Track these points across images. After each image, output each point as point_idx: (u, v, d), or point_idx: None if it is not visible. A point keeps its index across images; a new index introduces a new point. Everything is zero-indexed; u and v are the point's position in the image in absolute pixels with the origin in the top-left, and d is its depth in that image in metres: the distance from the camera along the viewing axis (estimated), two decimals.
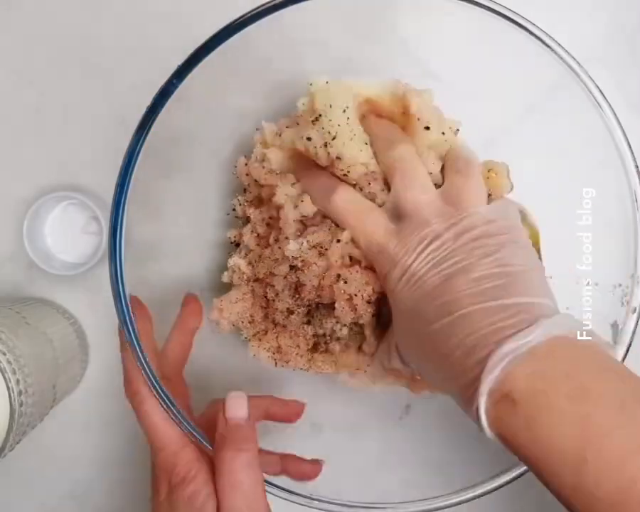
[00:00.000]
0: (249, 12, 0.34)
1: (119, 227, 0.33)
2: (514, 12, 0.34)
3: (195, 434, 0.34)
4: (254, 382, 0.44)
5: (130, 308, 0.33)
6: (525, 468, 0.34)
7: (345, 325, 0.37)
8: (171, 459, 0.33)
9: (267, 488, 0.34)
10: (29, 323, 0.41)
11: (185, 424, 0.34)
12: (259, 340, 0.40)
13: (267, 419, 0.39)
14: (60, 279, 0.46)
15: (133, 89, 0.46)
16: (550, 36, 0.34)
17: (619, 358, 0.35)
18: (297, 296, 0.38)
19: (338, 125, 0.34)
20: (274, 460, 0.38)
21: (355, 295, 0.35)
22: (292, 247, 0.36)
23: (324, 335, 0.39)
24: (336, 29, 0.40)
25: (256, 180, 0.39)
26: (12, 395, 0.36)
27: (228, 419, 0.34)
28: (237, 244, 0.41)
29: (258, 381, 0.44)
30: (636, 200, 0.35)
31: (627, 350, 0.35)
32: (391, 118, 0.37)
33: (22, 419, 0.37)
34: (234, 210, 0.41)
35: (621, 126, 0.35)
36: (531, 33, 0.34)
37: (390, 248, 0.33)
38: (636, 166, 0.35)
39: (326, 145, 0.34)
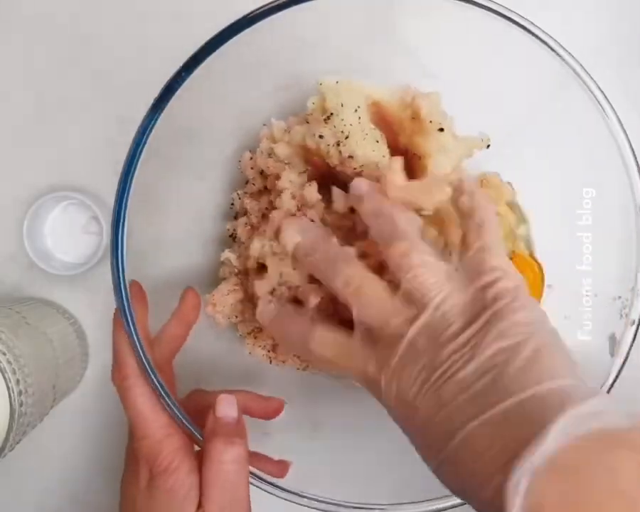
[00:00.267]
0: (258, 8, 0.34)
1: (123, 207, 0.33)
2: (516, 13, 0.34)
3: (185, 423, 0.34)
4: (251, 380, 0.43)
5: (129, 291, 0.33)
6: None
7: None
8: (155, 447, 0.33)
9: (268, 488, 0.34)
10: (29, 323, 0.41)
11: (178, 413, 0.33)
12: (255, 338, 0.40)
13: (244, 414, 0.38)
14: (60, 279, 0.46)
15: (133, 89, 0.46)
16: (551, 37, 0.34)
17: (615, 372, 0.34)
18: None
19: (350, 124, 0.34)
20: None
21: None
22: (255, 245, 0.36)
23: None
24: (337, 29, 0.40)
25: (262, 171, 0.39)
26: (12, 395, 0.36)
27: (218, 418, 0.34)
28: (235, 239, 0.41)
29: (258, 379, 0.44)
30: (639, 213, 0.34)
31: (624, 363, 0.35)
32: (399, 124, 0.37)
33: (22, 419, 0.37)
34: (232, 204, 0.41)
35: (624, 130, 0.35)
36: (533, 34, 0.34)
37: (375, 377, 0.30)
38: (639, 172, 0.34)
39: (338, 144, 0.34)
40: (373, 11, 0.40)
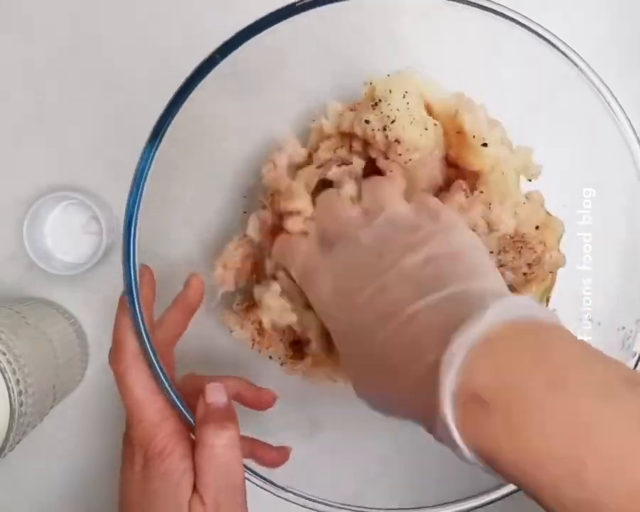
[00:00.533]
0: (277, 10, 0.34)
1: (140, 186, 0.34)
2: (518, 13, 0.34)
3: (183, 409, 0.34)
4: (253, 379, 0.43)
5: (139, 275, 0.33)
6: None
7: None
8: (150, 431, 0.33)
9: (265, 487, 0.34)
10: (29, 323, 0.41)
11: (176, 398, 0.33)
12: (247, 311, 0.41)
13: (235, 400, 0.39)
14: (60, 279, 0.46)
15: (133, 89, 0.46)
16: (555, 35, 0.34)
17: None
18: None
19: (397, 109, 0.34)
20: (244, 443, 0.39)
21: None
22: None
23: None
24: (337, 30, 0.40)
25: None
26: (12, 395, 0.36)
27: (209, 403, 0.34)
28: None
29: (259, 378, 0.43)
30: None
31: None
32: (447, 137, 0.37)
33: (22, 419, 0.37)
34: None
35: (632, 128, 0.35)
36: (537, 33, 0.34)
37: (313, 268, 0.34)
38: None
39: (384, 128, 0.34)
40: (373, 12, 0.40)
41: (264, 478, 0.35)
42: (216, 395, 0.34)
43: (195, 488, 0.32)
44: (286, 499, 0.35)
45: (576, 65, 0.34)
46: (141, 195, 0.33)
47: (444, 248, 0.30)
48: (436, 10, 0.37)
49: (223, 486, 0.32)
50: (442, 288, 0.27)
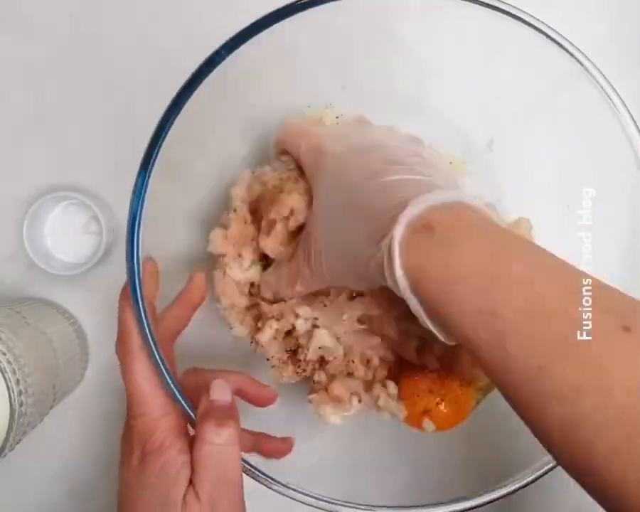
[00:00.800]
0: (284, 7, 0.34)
1: (147, 175, 0.34)
2: (522, 10, 0.34)
3: (184, 404, 0.34)
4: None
5: (143, 267, 0.34)
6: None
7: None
8: (151, 425, 0.33)
9: (268, 483, 0.34)
10: (29, 323, 0.41)
11: (177, 393, 0.33)
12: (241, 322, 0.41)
13: (237, 395, 0.39)
14: (60, 279, 0.46)
15: (133, 89, 0.46)
16: (559, 33, 0.34)
17: None
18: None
19: None
20: (247, 437, 0.39)
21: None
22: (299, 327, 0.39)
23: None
24: (337, 31, 0.40)
25: None
26: (12, 395, 0.36)
27: (212, 400, 0.34)
28: None
29: (261, 377, 0.44)
30: None
31: None
32: None
33: (22, 419, 0.37)
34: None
35: (634, 121, 0.35)
36: (538, 29, 0.34)
37: (323, 144, 0.37)
38: None
39: None
40: (373, 13, 0.40)
41: (266, 475, 0.35)
42: (220, 392, 0.34)
43: (191, 483, 0.32)
44: (286, 495, 0.35)
45: (578, 61, 0.34)
46: (147, 186, 0.33)
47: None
48: (437, 9, 0.37)
49: (220, 482, 0.32)
50: (423, 173, 0.32)
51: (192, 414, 0.34)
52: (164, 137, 0.33)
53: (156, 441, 0.33)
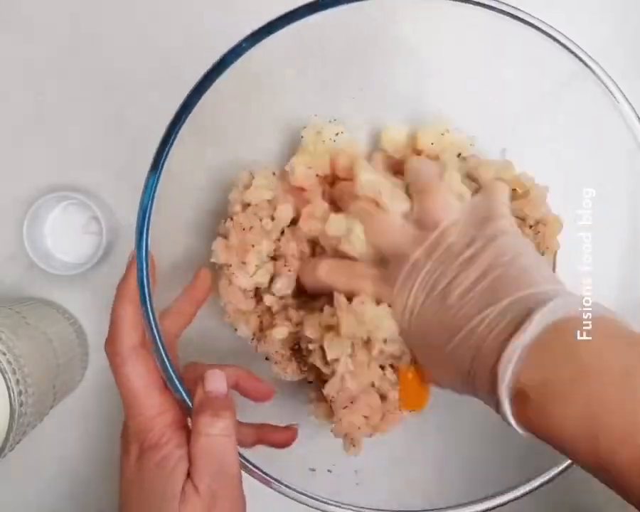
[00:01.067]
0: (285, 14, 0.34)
1: (158, 172, 0.34)
2: (525, 12, 0.34)
3: (188, 402, 0.34)
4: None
5: (149, 263, 0.33)
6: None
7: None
8: (147, 424, 0.33)
9: (267, 482, 0.34)
10: (29, 323, 0.41)
11: (182, 391, 0.34)
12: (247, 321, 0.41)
13: (234, 389, 0.39)
14: (60, 279, 0.46)
15: (133, 89, 0.46)
16: (563, 34, 0.34)
17: None
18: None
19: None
20: (249, 431, 0.39)
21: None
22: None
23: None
24: (338, 31, 0.40)
25: None
26: (12, 395, 0.36)
27: (207, 391, 0.34)
28: None
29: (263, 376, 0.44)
30: None
31: None
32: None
33: (22, 419, 0.37)
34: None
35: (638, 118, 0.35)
36: (542, 31, 0.34)
37: (382, 296, 0.35)
38: None
39: None
40: (374, 12, 0.40)
41: (265, 473, 0.35)
42: (216, 382, 0.34)
43: (189, 476, 0.32)
44: (284, 494, 0.35)
45: (582, 61, 0.34)
46: (158, 181, 0.33)
47: (497, 258, 0.32)
48: (437, 9, 0.37)
49: (217, 474, 0.32)
50: (498, 301, 0.31)
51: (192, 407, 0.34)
52: (179, 128, 0.33)
53: (154, 438, 0.33)
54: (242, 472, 0.34)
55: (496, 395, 0.30)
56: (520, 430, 0.30)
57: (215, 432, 0.32)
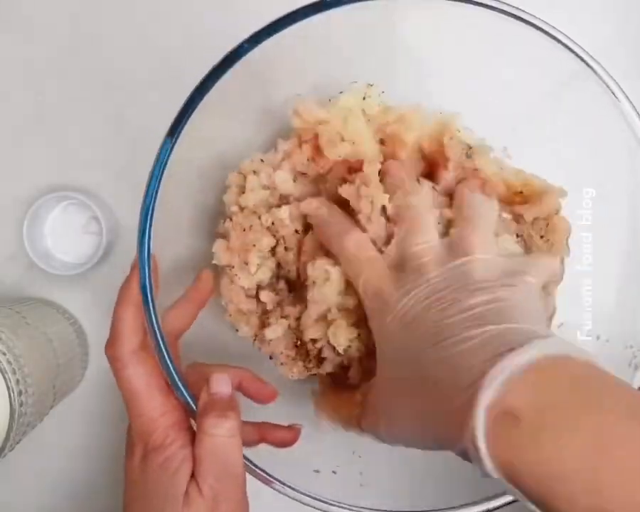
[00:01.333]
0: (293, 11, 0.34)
1: (159, 174, 0.33)
2: (526, 11, 0.34)
3: (190, 401, 0.34)
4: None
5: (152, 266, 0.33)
6: None
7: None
8: (150, 425, 0.33)
9: (269, 482, 0.34)
10: (29, 323, 0.41)
11: (184, 392, 0.34)
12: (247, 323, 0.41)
13: (237, 390, 0.39)
14: (60, 279, 0.46)
15: (133, 89, 0.46)
16: (563, 33, 0.34)
17: None
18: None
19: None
20: (251, 429, 0.39)
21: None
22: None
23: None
24: (337, 31, 0.40)
25: None
26: (12, 395, 0.36)
27: (212, 394, 0.34)
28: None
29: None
30: None
31: None
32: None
33: (22, 419, 0.37)
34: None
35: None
36: (543, 30, 0.34)
37: (385, 292, 0.34)
38: None
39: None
40: (374, 12, 0.40)
41: (268, 474, 0.35)
42: (220, 385, 0.34)
43: (193, 477, 0.32)
44: (286, 495, 0.35)
45: (583, 61, 0.34)
46: (159, 184, 0.33)
47: (510, 300, 0.31)
48: (438, 9, 0.36)
49: (221, 475, 0.32)
50: (500, 323, 0.29)
51: (195, 407, 0.34)
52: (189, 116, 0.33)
53: (158, 439, 0.33)
54: (246, 473, 0.34)
55: (470, 410, 0.26)
56: (487, 462, 0.26)
57: (221, 433, 0.32)
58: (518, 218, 0.37)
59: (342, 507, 0.36)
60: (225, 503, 0.32)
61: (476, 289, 0.31)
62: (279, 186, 0.39)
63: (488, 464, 0.26)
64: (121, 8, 0.46)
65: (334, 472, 0.41)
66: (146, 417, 0.34)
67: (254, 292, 0.41)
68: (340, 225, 0.37)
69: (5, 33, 0.46)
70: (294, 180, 0.40)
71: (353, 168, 0.39)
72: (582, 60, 0.34)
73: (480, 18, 0.35)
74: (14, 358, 0.37)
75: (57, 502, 0.47)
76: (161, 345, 0.33)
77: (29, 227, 0.44)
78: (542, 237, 0.37)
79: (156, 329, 0.33)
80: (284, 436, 0.39)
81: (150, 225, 0.33)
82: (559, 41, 0.34)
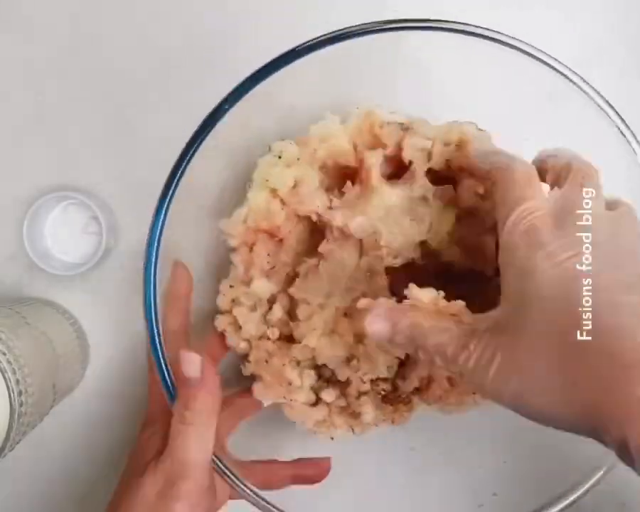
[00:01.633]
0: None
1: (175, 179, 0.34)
2: (505, 34, 0.34)
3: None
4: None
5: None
6: None
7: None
8: (152, 403, 0.38)
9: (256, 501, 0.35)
10: (29, 323, 0.41)
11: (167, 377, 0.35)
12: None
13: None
14: (60, 279, 0.46)
15: (133, 89, 0.46)
16: (545, 52, 0.35)
17: None
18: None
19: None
20: (281, 470, 0.39)
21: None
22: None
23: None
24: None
25: None
26: (12, 395, 0.36)
27: (182, 377, 0.34)
28: None
29: None
30: None
31: None
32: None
33: (22, 419, 0.37)
34: None
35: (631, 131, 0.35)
36: (526, 52, 0.35)
37: (542, 232, 0.29)
38: None
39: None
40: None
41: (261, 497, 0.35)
42: (189, 367, 0.34)
43: (156, 454, 0.34)
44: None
45: (565, 76, 0.35)
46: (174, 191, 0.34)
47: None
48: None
49: (180, 461, 0.33)
50: None
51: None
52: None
53: (155, 413, 0.37)
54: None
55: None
56: None
57: (186, 421, 0.33)
58: None
59: None
60: (179, 486, 0.33)
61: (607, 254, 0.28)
62: (262, 295, 0.39)
63: None
64: (121, 8, 0.46)
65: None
66: (153, 386, 0.37)
67: (314, 398, 0.40)
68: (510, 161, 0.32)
69: (5, 33, 0.46)
70: (268, 278, 0.39)
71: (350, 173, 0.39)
72: (566, 77, 0.35)
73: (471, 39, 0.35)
74: (14, 358, 0.37)
75: (57, 502, 0.47)
76: (157, 343, 0.35)
77: (29, 227, 0.44)
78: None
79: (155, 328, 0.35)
80: (315, 473, 0.39)
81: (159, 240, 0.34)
82: (539, 59, 0.34)
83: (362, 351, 0.38)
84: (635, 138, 0.36)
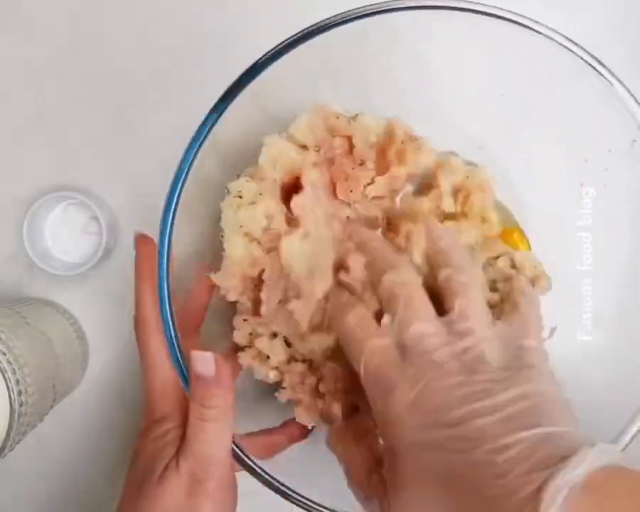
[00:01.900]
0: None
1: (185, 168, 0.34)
2: (519, 14, 0.34)
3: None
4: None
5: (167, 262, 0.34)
6: None
7: None
8: (159, 393, 0.35)
9: (266, 482, 0.35)
10: (29, 323, 0.41)
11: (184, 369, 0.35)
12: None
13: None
14: (60, 279, 0.46)
15: (133, 89, 0.46)
16: (558, 32, 0.34)
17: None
18: None
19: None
20: (259, 440, 0.39)
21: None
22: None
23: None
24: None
25: None
26: (12, 395, 0.36)
27: (196, 375, 0.33)
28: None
29: None
30: None
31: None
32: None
33: (22, 419, 0.37)
34: None
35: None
36: (539, 32, 0.34)
37: (391, 377, 0.31)
38: None
39: None
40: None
41: (266, 473, 0.35)
42: (200, 365, 0.33)
43: (177, 454, 0.33)
44: (286, 498, 0.35)
45: (582, 58, 0.34)
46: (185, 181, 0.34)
47: (536, 387, 0.29)
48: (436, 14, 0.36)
49: (203, 457, 0.33)
50: (536, 426, 0.27)
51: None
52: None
53: (161, 411, 0.35)
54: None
55: None
56: None
57: (206, 417, 0.33)
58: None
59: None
60: (205, 484, 0.33)
61: (494, 381, 0.29)
62: (274, 357, 0.38)
63: None
64: (121, 8, 0.46)
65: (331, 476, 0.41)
66: (159, 382, 0.35)
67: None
68: (345, 299, 0.34)
69: (5, 33, 0.46)
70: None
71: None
72: (580, 57, 0.34)
73: (474, 22, 0.35)
74: (14, 358, 0.37)
75: (57, 502, 0.47)
76: (170, 324, 0.34)
77: (29, 227, 0.44)
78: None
79: (168, 310, 0.34)
80: (294, 434, 0.40)
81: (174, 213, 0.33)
82: (554, 40, 0.34)
83: None
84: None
